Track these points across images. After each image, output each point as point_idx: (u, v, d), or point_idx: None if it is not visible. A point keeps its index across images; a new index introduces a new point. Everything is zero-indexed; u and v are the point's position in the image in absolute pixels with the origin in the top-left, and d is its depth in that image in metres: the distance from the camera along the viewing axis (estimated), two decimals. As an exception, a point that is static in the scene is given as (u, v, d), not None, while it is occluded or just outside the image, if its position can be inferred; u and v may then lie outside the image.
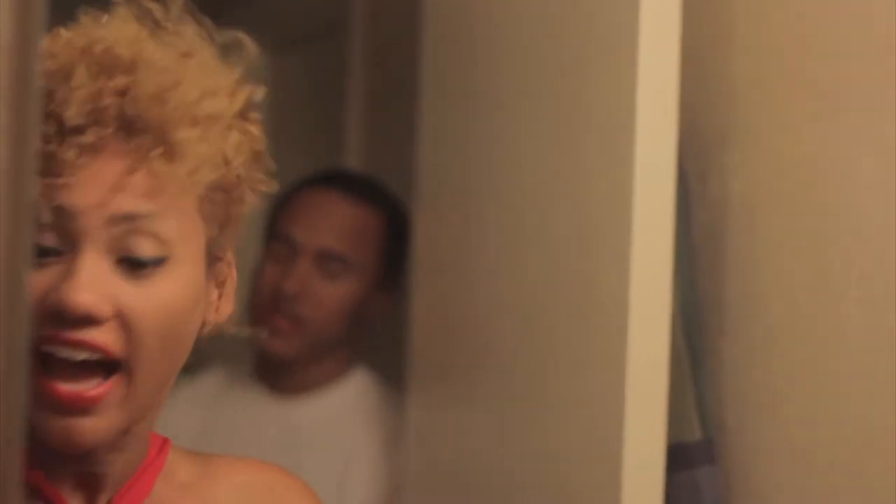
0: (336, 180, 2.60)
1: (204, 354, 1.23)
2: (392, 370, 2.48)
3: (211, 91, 1.17)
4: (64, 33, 1.18)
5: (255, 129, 1.20)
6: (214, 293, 1.22)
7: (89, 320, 1.10)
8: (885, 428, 1.66)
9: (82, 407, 1.11)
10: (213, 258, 1.20)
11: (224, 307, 1.23)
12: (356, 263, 2.43)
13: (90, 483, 1.19)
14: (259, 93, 1.20)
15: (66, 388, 1.11)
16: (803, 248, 1.79)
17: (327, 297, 2.41)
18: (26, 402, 0.79)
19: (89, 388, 1.11)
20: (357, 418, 2.42)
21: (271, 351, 2.39)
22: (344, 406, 2.44)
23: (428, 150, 2.28)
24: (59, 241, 1.12)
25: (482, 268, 2.09)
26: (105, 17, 1.20)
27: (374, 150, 3.09)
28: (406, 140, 2.46)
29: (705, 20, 1.91)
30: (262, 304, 2.41)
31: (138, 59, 1.16)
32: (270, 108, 1.26)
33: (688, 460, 1.82)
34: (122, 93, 1.14)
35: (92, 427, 1.12)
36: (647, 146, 1.78)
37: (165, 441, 1.26)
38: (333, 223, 2.46)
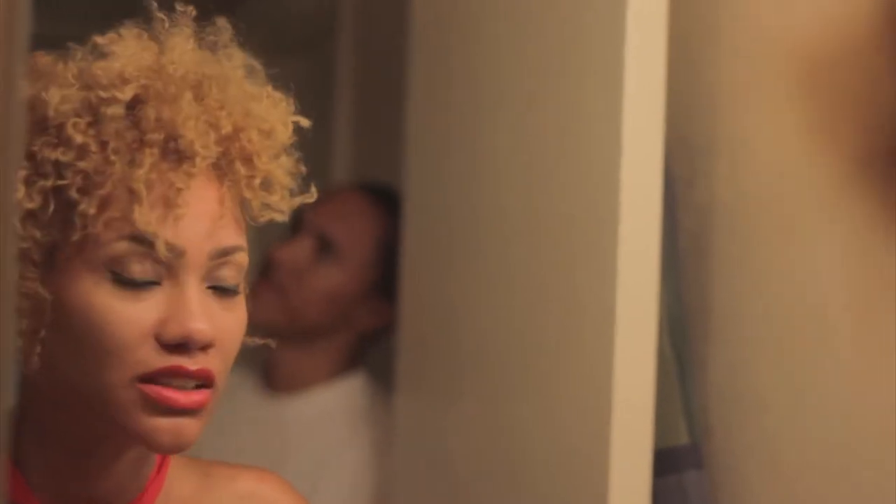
0: (373, 188, 2.64)
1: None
2: (381, 371, 2.48)
3: (283, 121, 1.21)
4: (119, 47, 1.17)
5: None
6: None
7: (207, 347, 1.14)
8: (871, 433, 1.66)
9: (192, 409, 1.15)
10: None
11: None
12: (349, 255, 2.46)
13: None
14: (305, 122, 1.24)
15: (179, 394, 1.14)
16: (789, 253, 1.79)
17: (312, 275, 2.46)
18: (10, 414, 0.80)
19: (192, 393, 1.15)
20: (343, 419, 2.44)
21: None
22: (333, 406, 2.45)
23: (416, 156, 2.29)
24: (157, 273, 1.14)
25: (470, 271, 2.10)
26: (165, 32, 1.19)
27: (363, 156, 3.10)
28: (394, 147, 2.47)
29: (692, 25, 1.91)
30: (259, 275, 2.48)
31: (237, 91, 1.19)
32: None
33: (675, 465, 1.82)
34: (237, 124, 1.17)
35: (196, 428, 1.15)
36: (634, 151, 1.78)
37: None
38: (342, 212, 2.51)
